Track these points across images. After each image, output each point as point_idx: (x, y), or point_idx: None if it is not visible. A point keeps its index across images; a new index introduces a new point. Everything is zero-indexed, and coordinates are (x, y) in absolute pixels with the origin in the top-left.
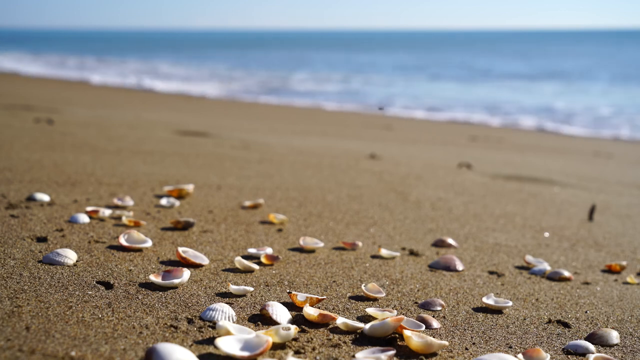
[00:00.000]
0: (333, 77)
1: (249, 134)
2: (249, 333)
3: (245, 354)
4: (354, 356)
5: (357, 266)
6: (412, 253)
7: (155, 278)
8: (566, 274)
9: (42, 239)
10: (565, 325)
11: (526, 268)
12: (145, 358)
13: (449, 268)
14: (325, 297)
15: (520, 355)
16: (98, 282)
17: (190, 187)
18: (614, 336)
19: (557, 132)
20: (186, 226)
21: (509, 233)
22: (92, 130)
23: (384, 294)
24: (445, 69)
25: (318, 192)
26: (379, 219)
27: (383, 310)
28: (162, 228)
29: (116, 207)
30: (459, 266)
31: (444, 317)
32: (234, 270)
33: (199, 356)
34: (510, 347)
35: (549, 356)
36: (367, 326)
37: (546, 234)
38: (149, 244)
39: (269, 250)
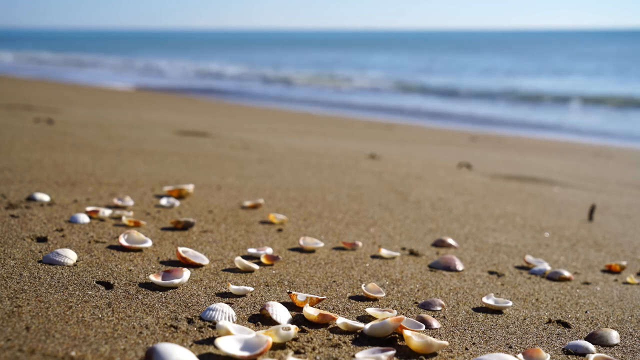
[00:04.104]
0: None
1: (249, 134)
2: (249, 333)
3: (245, 354)
4: (354, 356)
5: (357, 266)
6: (412, 253)
7: (155, 278)
8: (566, 274)
9: (42, 239)
10: (565, 325)
11: (526, 268)
12: (145, 358)
13: (449, 268)
14: (325, 297)
15: (520, 355)
16: (98, 282)
17: (190, 187)
18: (614, 336)
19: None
20: (186, 226)
21: (509, 233)
22: (92, 130)
23: (384, 294)
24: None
25: (318, 192)
26: (379, 219)
27: (383, 310)
28: (162, 228)
29: (116, 207)
30: (459, 266)
31: (444, 317)
32: (234, 270)
33: (199, 356)
34: (510, 347)
35: (549, 356)
36: (367, 326)
37: (546, 234)
38: (149, 244)
39: (269, 250)
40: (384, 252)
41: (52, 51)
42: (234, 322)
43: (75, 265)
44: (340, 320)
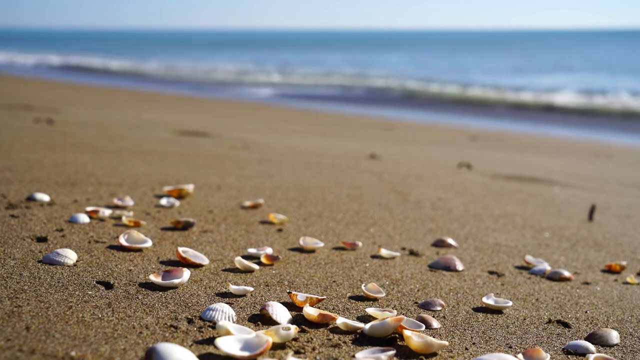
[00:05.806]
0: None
1: (249, 134)
2: (249, 333)
3: (245, 354)
4: (354, 356)
5: (357, 266)
6: (412, 253)
7: (155, 278)
8: (566, 274)
9: (42, 239)
10: (565, 325)
11: (526, 268)
12: (145, 358)
13: (449, 268)
14: (325, 297)
15: (520, 355)
16: (98, 282)
17: (190, 187)
18: (614, 336)
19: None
20: (186, 226)
21: (509, 233)
22: (92, 130)
23: (384, 294)
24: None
25: (318, 192)
26: (379, 219)
27: (383, 310)
28: (162, 228)
29: (116, 207)
30: (459, 266)
31: (444, 317)
32: (234, 270)
33: (199, 356)
34: (510, 347)
35: (549, 356)
36: (367, 326)
37: (546, 234)
38: (149, 244)
39: (269, 250)
40: (384, 252)
41: (57, 52)
42: (234, 322)
43: (75, 265)
44: (340, 320)
